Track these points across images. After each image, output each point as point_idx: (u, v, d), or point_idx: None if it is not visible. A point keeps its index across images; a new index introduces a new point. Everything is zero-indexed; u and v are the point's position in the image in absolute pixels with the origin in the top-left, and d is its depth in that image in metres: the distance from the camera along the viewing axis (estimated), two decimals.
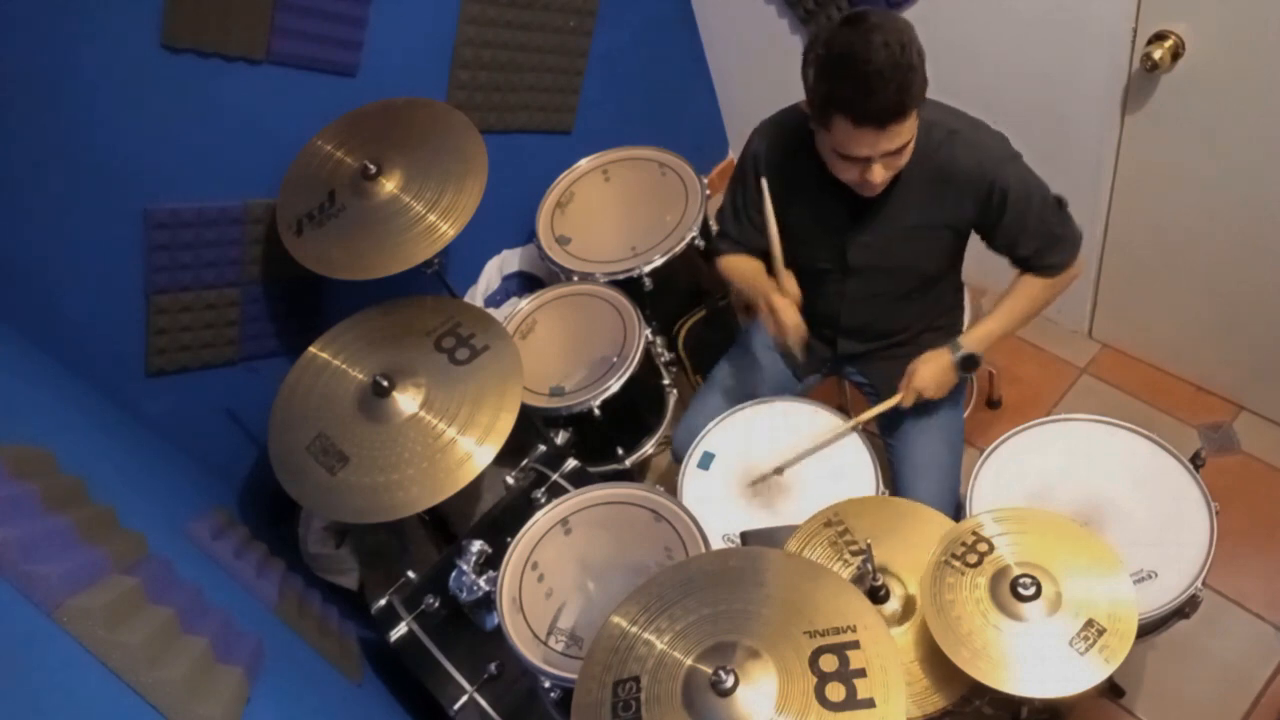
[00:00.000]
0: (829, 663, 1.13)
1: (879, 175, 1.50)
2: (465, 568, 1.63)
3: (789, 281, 1.72)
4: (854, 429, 1.78)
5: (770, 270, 1.75)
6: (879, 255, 1.72)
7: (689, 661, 1.17)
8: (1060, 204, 1.66)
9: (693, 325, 2.40)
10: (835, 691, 1.11)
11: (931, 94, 1.63)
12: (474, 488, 1.70)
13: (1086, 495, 1.59)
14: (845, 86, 1.40)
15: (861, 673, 1.12)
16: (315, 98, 1.97)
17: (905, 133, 1.45)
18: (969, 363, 1.72)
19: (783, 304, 1.70)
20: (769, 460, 1.78)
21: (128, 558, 1.15)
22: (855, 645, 1.14)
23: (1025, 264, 1.70)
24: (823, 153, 1.55)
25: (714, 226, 2.29)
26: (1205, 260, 2.08)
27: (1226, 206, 1.93)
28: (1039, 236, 1.64)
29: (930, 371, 1.71)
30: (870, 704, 1.09)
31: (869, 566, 1.37)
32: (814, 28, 2.36)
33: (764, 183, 1.65)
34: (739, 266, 1.86)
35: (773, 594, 1.23)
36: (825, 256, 1.76)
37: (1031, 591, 1.27)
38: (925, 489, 1.78)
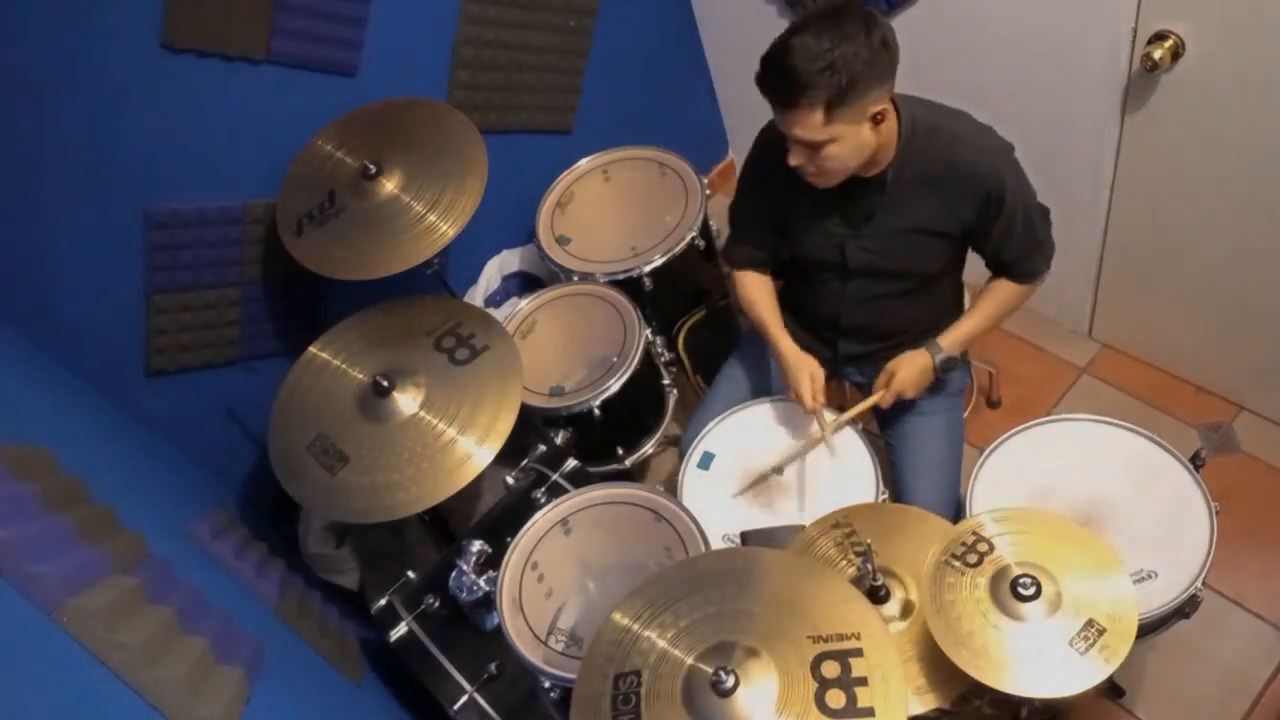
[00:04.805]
0: (831, 669, 1.13)
1: (795, 158, 1.51)
2: (465, 568, 1.63)
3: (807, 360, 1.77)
4: (837, 429, 1.77)
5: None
6: (879, 257, 1.72)
7: (690, 660, 1.17)
8: (1045, 212, 1.70)
9: (693, 325, 2.40)
10: (835, 698, 1.11)
11: (932, 94, 1.63)
12: (474, 488, 1.70)
13: (1086, 495, 1.59)
14: (768, 48, 1.44)
15: (863, 681, 1.11)
16: (315, 98, 1.97)
17: (802, 124, 1.44)
18: (949, 364, 1.75)
19: (798, 379, 1.74)
20: (769, 460, 1.78)
21: (128, 558, 1.15)
22: (859, 653, 1.14)
23: (1007, 269, 1.74)
24: None
25: (714, 225, 2.29)
26: (1205, 260, 2.08)
27: (1226, 206, 1.93)
28: (1025, 242, 1.68)
29: (910, 373, 1.73)
30: (870, 713, 1.09)
31: (869, 567, 1.37)
32: None
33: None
34: (754, 301, 1.87)
35: (778, 596, 1.23)
36: (825, 257, 1.76)
37: (1031, 591, 1.27)
38: (925, 489, 1.79)
